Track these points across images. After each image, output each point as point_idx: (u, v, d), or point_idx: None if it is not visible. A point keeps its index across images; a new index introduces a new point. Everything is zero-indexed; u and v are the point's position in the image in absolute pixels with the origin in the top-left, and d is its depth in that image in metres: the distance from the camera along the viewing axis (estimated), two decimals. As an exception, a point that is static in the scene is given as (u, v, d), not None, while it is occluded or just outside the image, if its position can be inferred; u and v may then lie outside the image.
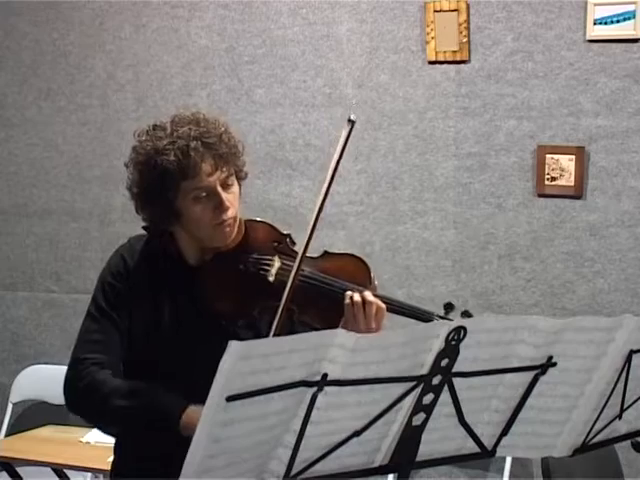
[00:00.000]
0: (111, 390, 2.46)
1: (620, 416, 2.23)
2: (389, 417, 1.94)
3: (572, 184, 4.19)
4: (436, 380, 1.93)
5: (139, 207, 2.55)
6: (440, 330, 1.89)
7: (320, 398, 1.85)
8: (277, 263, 2.53)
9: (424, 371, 1.91)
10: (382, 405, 1.92)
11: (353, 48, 4.47)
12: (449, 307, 2.52)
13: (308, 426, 1.86)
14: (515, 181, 4.29)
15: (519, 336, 1.98)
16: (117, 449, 2.66)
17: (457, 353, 1.91)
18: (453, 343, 1.89)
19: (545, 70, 4.22)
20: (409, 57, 4.39)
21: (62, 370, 2.57)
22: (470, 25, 4.27)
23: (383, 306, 2.49)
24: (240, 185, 2.57)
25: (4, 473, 4.49)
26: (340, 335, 1.82)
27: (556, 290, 4.26)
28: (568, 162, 4.19)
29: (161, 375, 2.52)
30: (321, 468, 1.94)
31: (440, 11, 4.28)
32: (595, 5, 4.09)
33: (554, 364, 2.04)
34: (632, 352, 2.11)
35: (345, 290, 2.49)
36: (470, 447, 2.10)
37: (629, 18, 4.06)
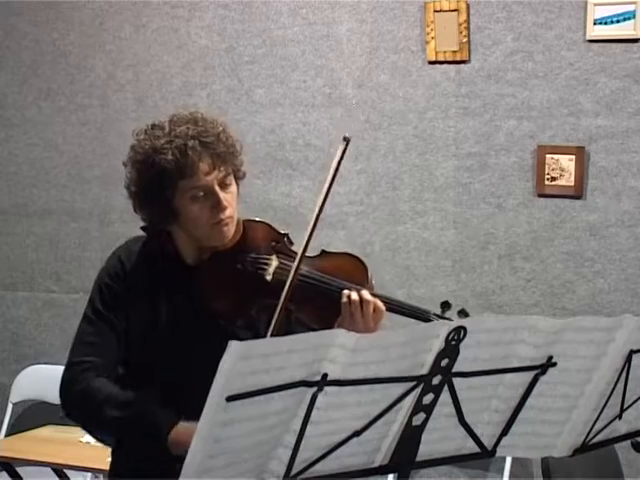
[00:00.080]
0: (104, 399, 2.46)
1: (620, 416, 2.23)
2: (389, 417, 1.94)
3: (572, 184, 4.19)
4: (436, 380, 1.93)
5: (137, 206, 2.55)
6: (440, 330, 1.89)
7: (320, 398, 1.85)
8: (275, 262, 2.54)
9: (424, 371, 1.91)
10: (382, 405, 1.92)
11: (353, 48, 4.47)
12: (446, 306, 2.52)
13: (308, 426, 1.86)
14: (515, 181, 4.29)
15: (519, 336, 1.98)
16: (115, 449, 2.66)
17: (457, 353, 1.91)
18: (453, 343, 1.89)
19: (545, 70, 4.22)
20: (409, 57, 4.39)
21: (62, 370, 2.57)
22: (470, 25, 4.27)
23: (381, 305, 2.49)
24: (238, 185, 2.57)
25: (4, 473, 4.49)
26: (340, 335, 1.82)
27: (556, 290, 4.26)
28: (568, 162, 4.19)
29: (159, 376, 2.53)
30: (321, 468, 1.94)
31: (440, 11, 4.28)
32: (595, 5, 4.09)
33: (554, 364, 2.04)
34: (632, 352, 2.12)
35: (342, 289, 2.50)
36: (470, 447, 2.10)
37: (629, 18, 4.06)
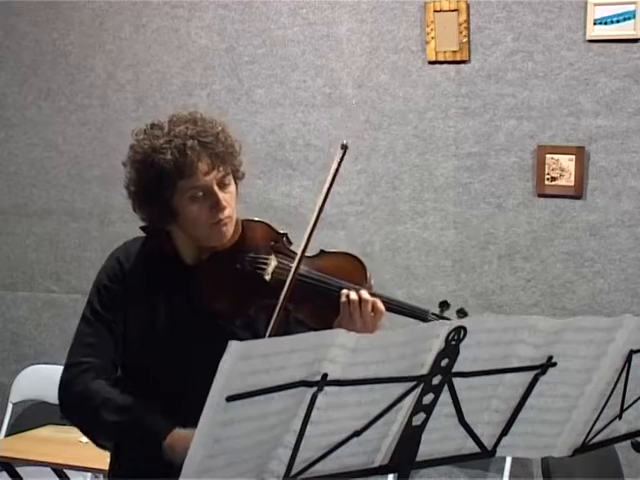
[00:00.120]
0: (102, 402, 2.47)
1: (620, 416, 2.23)
2: (389, 417, 1.94)
3: (572, 184, 4.19)
4: (436, 380, 1.93)
5: (136, 206, 2.55)
6: (440, 330, 1.89)
7: (320, 398, 1.85)
8: (273, 262, 2.54)
9: (424, 371, 1.91)
10: (382, 405, 1.92)
11: (353, 48, 4.47)
12: (444, 305, 2.53)
13: (308, 426, 1.86)
14: (515, 181, 4.29)
15: (519, 336, 1.98)
16: (114, 449, 2.66)
17: (457, 353, 1.91)
18: (453, 343, 1.89)
19: (545, 70, 4.22)
20: (409, 57, 4.39)
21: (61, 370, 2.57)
22: (470, 25, 4.27)
23: (380, 305, 2.49)
24: (237, 185, 2.57)
25: (4, 473, 4.49)
26: (340, 335, 1.82)
27: (556, 290, 4.26)
28: (568, 162, 4.19)
29: (158, 376, 2.53)
30: (321, 468, 1.94)
31: (440, 11, 4.28)
32: (595, 5, 4.09)
33: (554, 364, 2.04)
34: (632, 352, 2.12)
35: (341, 288, 2.50)
36: (470, 447, 2.10)
37: (629, 18, 4.06)
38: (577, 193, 4.20)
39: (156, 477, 2.44)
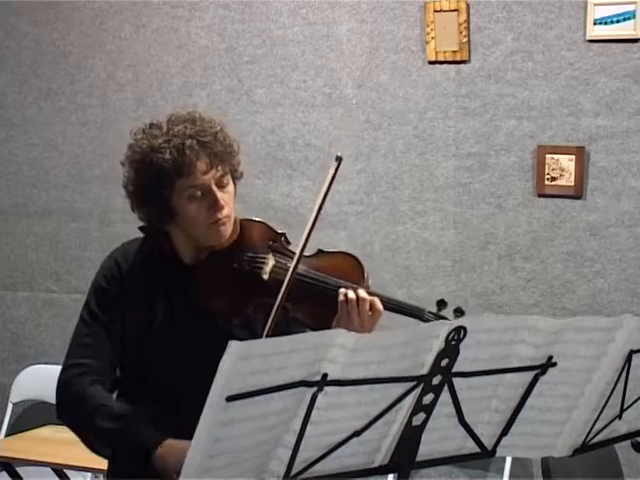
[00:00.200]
0: (96, 407, 2.47)
1: (620, 416, 2.23)
2: (389, 417, 1.94)
3: (572, 184, 4.19)
4: (436, 380, 1.93)
5: (135, 205, 2.55)
6: (440, 330, 1.89)
7: (320, 398, 1.85)
8: (271, 261, 2.55)
9: (424, 371, 1.91)
10: (382, 405, 1.92)
11: (353, 48, 4.47)
12: (442, 304, 2.53)
13: (308, 426, 1.86)
14: (515, 181, 4.29)
15: (519, 336, 1.98)
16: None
17: (457, 353, 1.91)
18: (453, 343, 1.89)
19: (545, 70, 4.22)
20: (409, 57, 4.39)
21: (61, 371, 2.58)
22: (470, 25, 4.27)
23: (378, 304, 2.49)
24: (235, 185, 2.57)
25: (4, 473, 4.49)
26: (340, 335, 1.82)
27: (556, 290, 4.26)
28: (568, 162, 4.19)
29: (157, 377, 2.53)
30: (321, 468, 1.94)
31: (440, 11, 4.28)
32: (595, 5, 4.09)
33: (554, 364, 2.04)
34: (632, 352, 2.12)
35: (339, 287, 2.50)
36: (470, 447, 2.10)
37: (629, 18, 4.06)
38: (577, 193, 4.20)
39: (155, 477, 2.44)
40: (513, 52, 4.25)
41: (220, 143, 2.51)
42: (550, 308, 4.26)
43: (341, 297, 2.48)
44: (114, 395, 2.63)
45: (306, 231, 2.46)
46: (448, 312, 2.52)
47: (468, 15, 4.26)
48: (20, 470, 4.44)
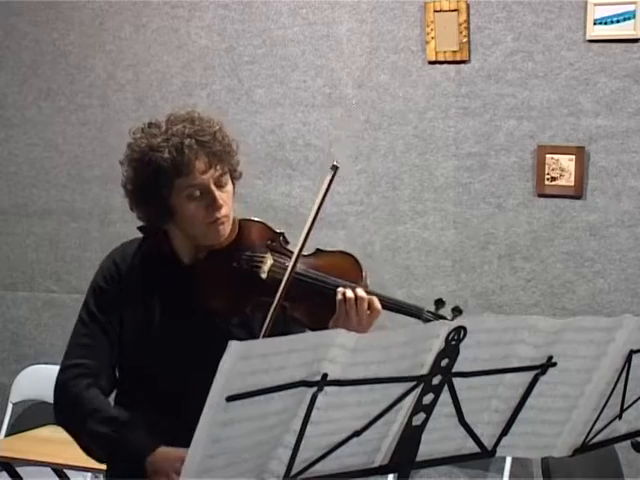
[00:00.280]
0: (92, 411, 2.48)
1: (620, 416, 2.23)
2: (389, 417, 1.94)
3: (572, 184, 4.19)
4: (436, 380, 1.93)
5: (133, 204, 2.56)
6: (440, 330, 1.89)
7: (320, 398, 1.85)
8: (270, 260, 2.55)
9: (424, 371, 1.91)
10: (382, 405, 1.92)
11: (353, 48, 4.47)
12: (440, 303, 2.53)
13: (308, 426, 1.86)
14: (515, 181, 4.29)
15: (519, 336, 1.98)
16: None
17: (457, 353, 1.91)
18: (453, 343, 1.89)
19: (545, 70, 4.22)
20: (409, 57, 4.39)
21: (61, 371, 2.58)
22: (470, 25, 4.27)
23: (377, 303, 2.50)
24: (234, 184, 2.58)
25: (4, 473, 4.49)
26: (340, 335, 1.82)
27: (556, 290, 4.26)
28: (568, 162, 4.19)
29: (156, 377, 2.53)
30: (321, 468, 1.94)
31: (440, 11, 4.28)
32: (595, 5, 4.09)
33: (554, 364, 2.04)
34: (632, 352, 2.12)
35: (337, 286, 2.51)
36: (470, 447, 2.10)
37: (629, 18, 4.05)
38: (577, 193, 4.20)
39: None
40: (513, 52, 4.25)
41: (219, 143, 2.51)
42: (550, 308, 4.26)
43: (339, 296, 2.49)
44: (113, 395, 2.63)
45: (304, 231, 2.47)
46: (446, 311, 2.53)
47: (468, 15, 4.26)
48: (20, 470, 4.44)
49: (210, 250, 2.55)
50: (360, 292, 2.49)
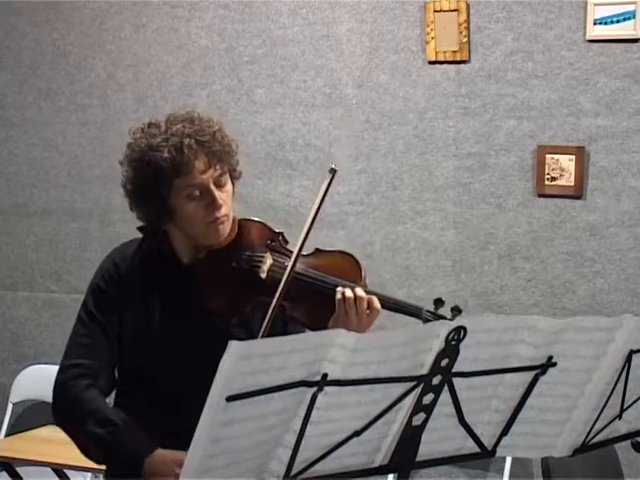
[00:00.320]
0: (90, 412, 2.47)
1: (620, 416, 2.23)
2: (389, 417, 1.94)
3: (572, 184, 4.19)
4: (436, 380, 1.93)
5: (133, 204, 2.56)
6: (440, 330, 1.89)
7: (320, 398, 1.85)
8: (269, 260, 2.55)
9: (424, 371, 1.91)
10: (382, 405, 1.92)
11: (353, 48, 4.47)
12: (439, 302, 2.53)
13: (308, 426, 1.86)
14: (515, 181, 4.29)
15: (519, 336, 1.98)
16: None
17: (457, 353, 1.91)
18: (453, 343, 1.89)
19: (545, 70, 4.22)
20: (409, 57, 4.39)
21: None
22: (470, 25, 4.27)
23: (376, 302, 2.50)
24: (234, 184, 2.58)
25: (4, 473, 4.49)
26: (340, 335, 1.82)
27: (556, 290, 4.26)
28: (568, 162, 4.19)
29: (155, 377, 2.53)
30: (321, 468, 1.94)
31: (440, 11, 4.28)
32: (595, 5, 4.09)
33: (554, 364, 2.04)
34: (632, 352, 2.12)
35: (337, 286, 2.51)
36: (470, 447, 2.10)
37: (629, 18, 4.05)
38: (577, 193, 4.20)
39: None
40: (513, 52, 4.25)
41: (218, 142, 2.51)
42: (550, 308, 4.26)
43: (339, 295, 2.49)
44: (113, 395, 2.63)
45: (304, 231, 2.47)
46: (445, 310, 2.53)
47: (468, 15, 4.26)
48: (20, 470, 4.44)
49: (210, 250, 2.56)
50: (359, 291, 2.49)
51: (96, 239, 4.91)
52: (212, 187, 2.49)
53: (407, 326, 1.95)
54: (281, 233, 2.62)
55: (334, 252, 2.64)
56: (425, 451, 2.03)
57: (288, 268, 2.47)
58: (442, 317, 2.50)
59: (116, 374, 2.62)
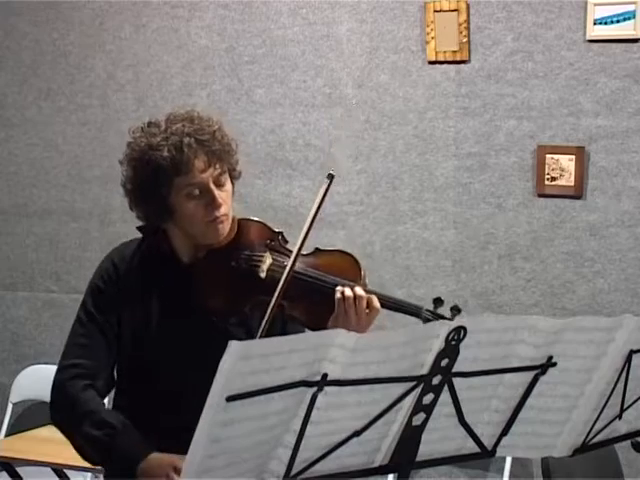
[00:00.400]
0: (87, 413, 2.48)
1: (620, 416, 2.22)
2: (389, 417, 1.94)
3: (572, 184, 4.19)
4: (436, 380, 1.93)
5: (133, 204, 2.56)
6: (440, 330, 1.89)
7: (320, 398, 1.84)
8: (268, 259, 2.55)
9: (424, 371, 1.91)
10: (382, 405, 1.92)
11: (353, 48, 4.47)
12: (438, 302, 2.53)
13: (308, 426, 1.86)
14: (515, 181, 4.29)
15: (519, 336, 1.98)
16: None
17: (457, 353, 1.91)
18: (453, 343, 1.89)
19: (545, 70, 4.22)
20: (409, 57, 4.39)
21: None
22: (470, 25, 4.27)
23: (376, 302, 2.50)
24: (233, 184, 2.58)
25: (4, 473, 4.49)
26: (340, 335, 1.82)
27: (556, 290, 4.26)
28: (568, 162, 4.19)
29: (154, 376, 2.53)
30: (321, 468, 1.94)
31: (440, 11, 4.28)
32: (595, 5, 4.09)
33: (554, 364, 2.04)
34: (632, 352, 2.11)
35: (336, 285, 2.51)
36: (470, 447, 2.10)
37: (629, 18, 4.06)
38: (577, 193, 4.20)
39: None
40: (513, 52, 4.25)
41: (218, 142, 2.52)
42: (550, 308, 4.26)
43: (338, 295, 2.49)
44: (112, 394, 2.63)
45: (303, 230, 2.47)
46: (445, 310, 2.53)
47: (468, 15, 4.26)
48: (20, 470, 4.44)
49: (209, 249, 2.56)
50: (359, 291, 2.49)
51: (96, 239, 4.91)
52: (212, 186, 2.49)
53: (407, 326, 1.95)
54: (281, 233, 2.62)
55: (334, 251, 2.64)
56: (425, 451, 2.03)
57: (287, 267, 2.47)
58: (442, 316, 2.50)
59: (115, 374, 2.62)
